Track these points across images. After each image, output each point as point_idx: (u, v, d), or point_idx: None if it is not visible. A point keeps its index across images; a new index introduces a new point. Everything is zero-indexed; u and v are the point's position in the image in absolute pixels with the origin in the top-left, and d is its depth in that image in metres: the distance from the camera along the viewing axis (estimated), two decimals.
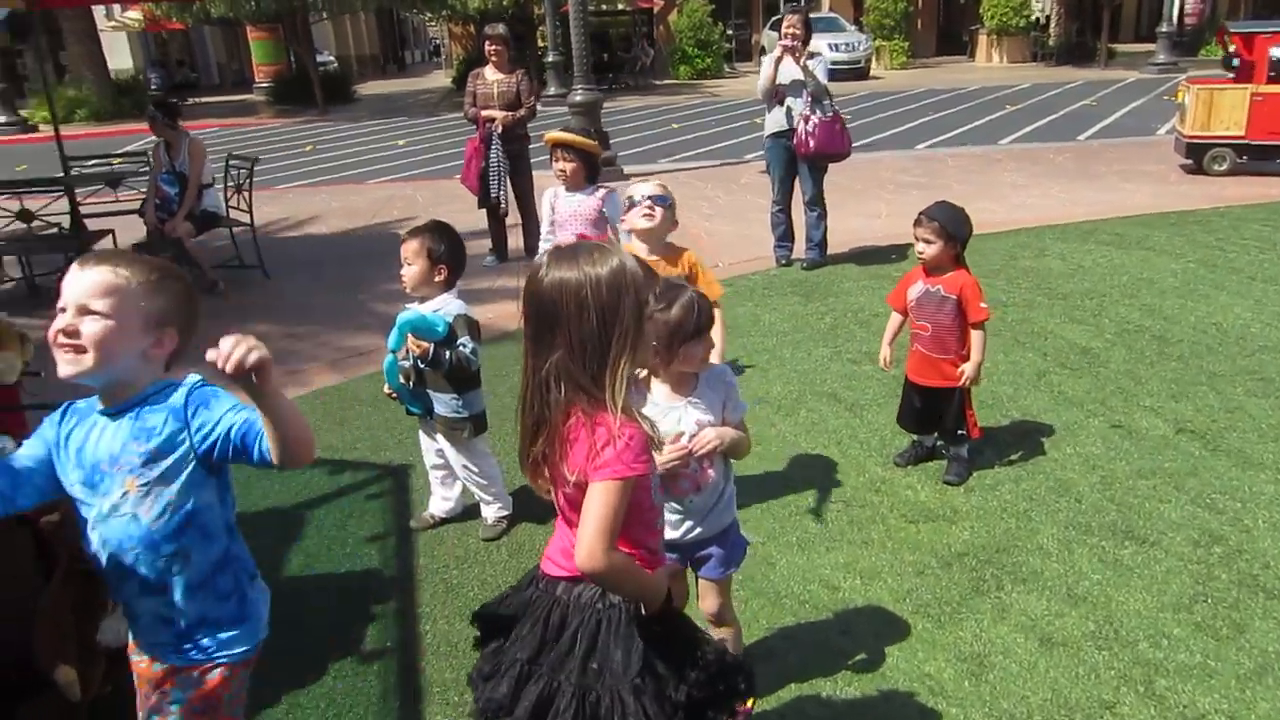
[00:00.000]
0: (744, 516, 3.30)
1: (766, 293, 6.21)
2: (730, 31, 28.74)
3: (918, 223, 3.44)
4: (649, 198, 3.16)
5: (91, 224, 7.17)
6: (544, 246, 4.16)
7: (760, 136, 7.19)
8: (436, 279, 3.07)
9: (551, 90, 19.48)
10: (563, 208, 4.14)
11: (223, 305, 6.50)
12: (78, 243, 6.66)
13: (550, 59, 20.56)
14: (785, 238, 6.92)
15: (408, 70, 43.33)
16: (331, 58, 31.18)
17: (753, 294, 6.18)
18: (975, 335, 3.45)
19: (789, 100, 6.48)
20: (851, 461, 3.79)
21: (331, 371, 5.07)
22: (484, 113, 6.77)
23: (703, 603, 2.34)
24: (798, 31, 6.35)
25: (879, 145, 12.89)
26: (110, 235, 7.07)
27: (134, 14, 25.83)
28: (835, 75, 24.30)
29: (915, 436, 3.79)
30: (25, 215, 6.51)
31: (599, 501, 1.51)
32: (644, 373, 2.18)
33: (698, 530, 2.22)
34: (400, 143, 15.62)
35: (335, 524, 3.43)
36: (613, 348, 1.52)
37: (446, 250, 3.09)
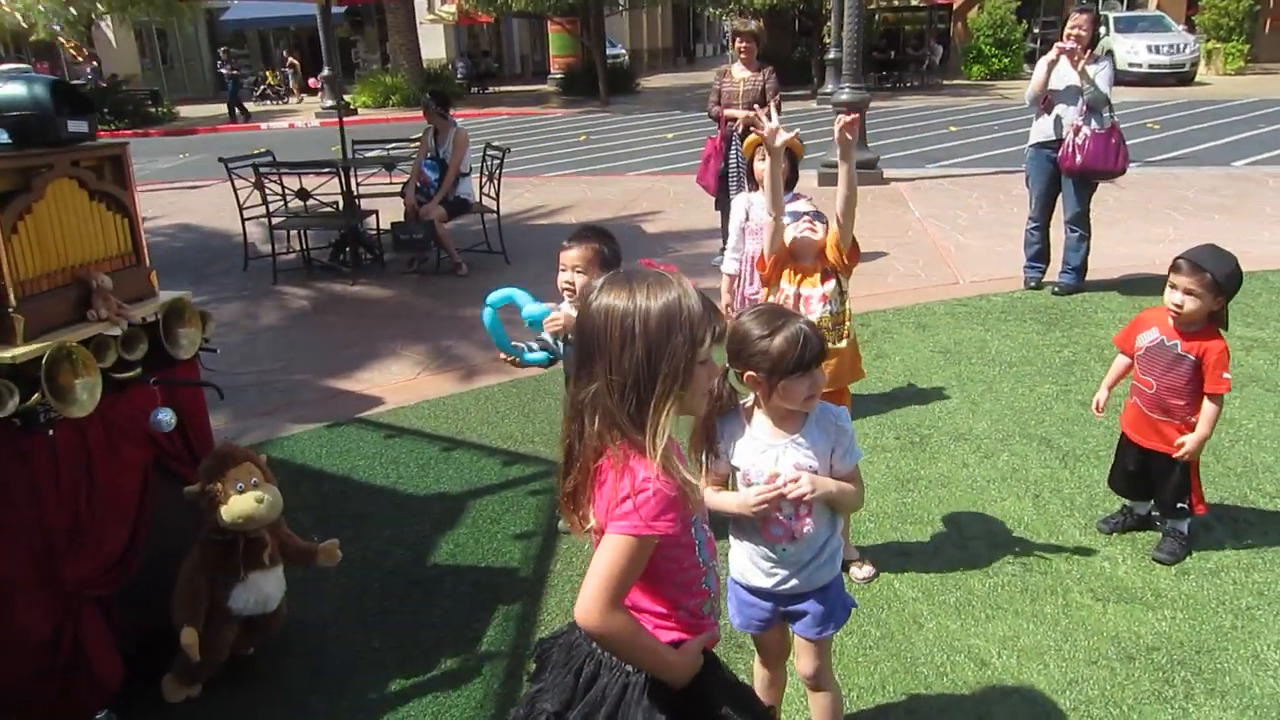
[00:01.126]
0: (902, 567, 3.04)
1: (1003, 316, 5.66)
2: (1036, 30, 26.70)
3: (1178, 268, 2.85)
4: (808, 214, 2.94)
5: (364, 204, 7.89)
6: (728, 259, 4.00)
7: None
8: None
9: (829, 88, 19.04)
10: (758, 216, 3.96)
11: (461, 286, 6.91)
12: (346, 220, 7.33)
13: (831, 55, 20.10)
14: (1038, 258, 6.27)
15: (697, 63, 44.15)
16: (623, 50, 32.34)
17: (986, 316, 5.67)
18: (1208, 407, 2.90)
19: (1059, 108, 5.85)
20: (1047, 519, 3.35)
21: None
22: (726, 111, 6.68)
23: (799, 662, 2.13)
24: (1082, 33, 5.69)
25: (1186, 159, 11.39)
26: (374, 215, 7.74)
27: (449, 8, 28.16)
28: (1153, 79, 21.95)
29: (1127, 501, 3.28)
30: (303, 194, 7.24)
31: (607, 556, 1.40)
32: (749, 400, 2.01)
33: (793, 583, 2.02)
34: (669, 136, 15.91)
35: (490, 517, 3.51)
36: (657, 387, 1.39)
37: (615, 254, 2.99)
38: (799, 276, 2.94)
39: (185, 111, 24.93)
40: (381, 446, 4.15)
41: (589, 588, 1.40)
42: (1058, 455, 3.83)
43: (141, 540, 2.45)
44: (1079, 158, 5.72)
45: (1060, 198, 6.07)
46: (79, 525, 2.31)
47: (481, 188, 7.60)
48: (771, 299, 2.96)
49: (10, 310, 2.21)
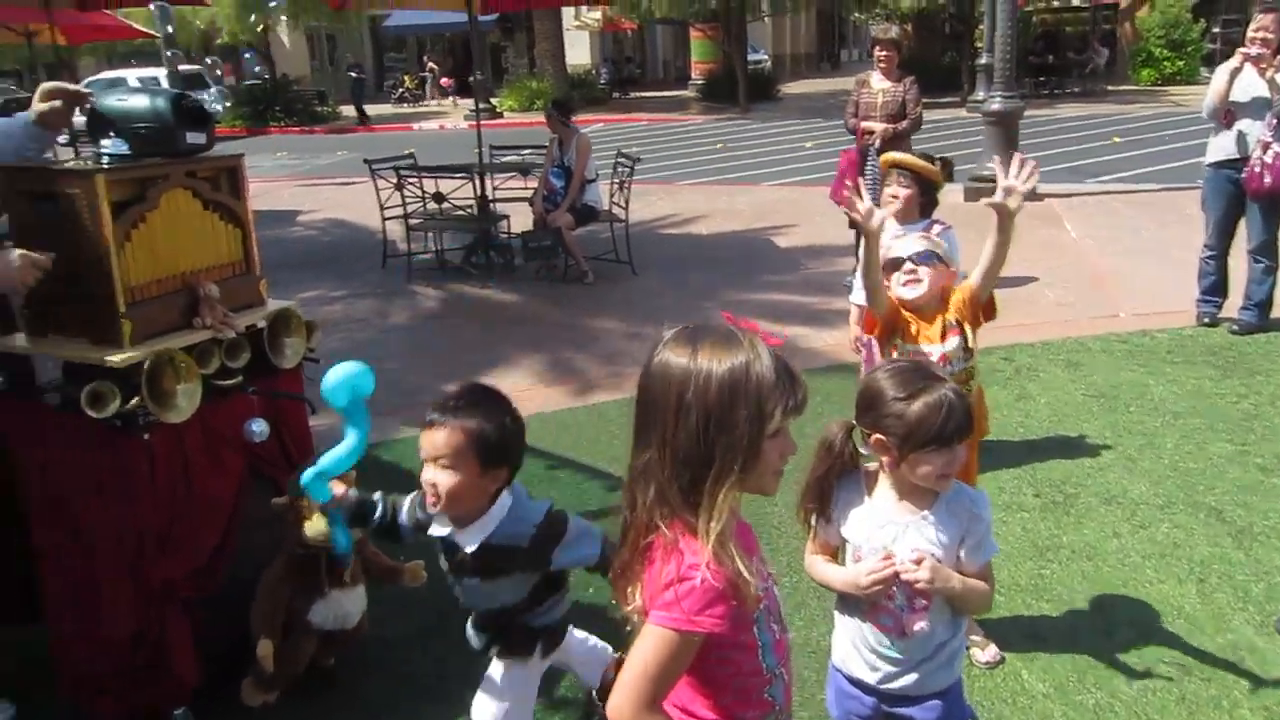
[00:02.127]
0: (1033, 653, 2.68)
1: (1169, 357, 5.12)
2: (1215, 30, 24.71)
3: None
4: (912, 257, 2.54)
5: (499, 208, 7.96)
6: (858, 288, 3.71)
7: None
8: (490, 488, 1.89)
9: (979, 95, 18.23)
10: (889, 243, 3.66)
11: (586, 294, 6.86)
12: (480, 224, 7.40)
13: (982, 61, 19.25)
14: (1214, 291, 5.66)
15: (841, 69, 43.25)
16: (765, 56, 31.98)
17: (1150, 356, 5.13)
18: None
19: (1243, 122, 5.28)
20: (1213, 610, 2.88)
21: None
22: (863, 124, 6.37)
23: None
24: (1270, 35, 5.13)
25: None
26: (506, 220, 7.79)
27: (595, 15, 28.49)
28: None
29: None
30: (438, 197, 7.35)
31: (645, 649, 1.25)
32: (873, 465, 1.79)
33: (900, 683, 1.76)
34: (808, 145, 15.55)
35: None
36: (714, 463, 1.23)
37: (505, 436, 1.87)
38: (915, 330, 2.57)
39: (347, 110, 26.07)
40: None
41: (623, 683, 1.26)
42: (1230, 531, 3.35)
43: (231, 546, 2.44)
44: (1267, 179, 5.13)
45: (1243, 223, 5.49)
46: (171, 528, 2.31)
47: (611, 195, 7.54)
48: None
49: (119, 315, 2.22)
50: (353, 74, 24.11)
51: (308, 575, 2.41)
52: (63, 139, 8.36)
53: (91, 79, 23.49)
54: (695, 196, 11.12)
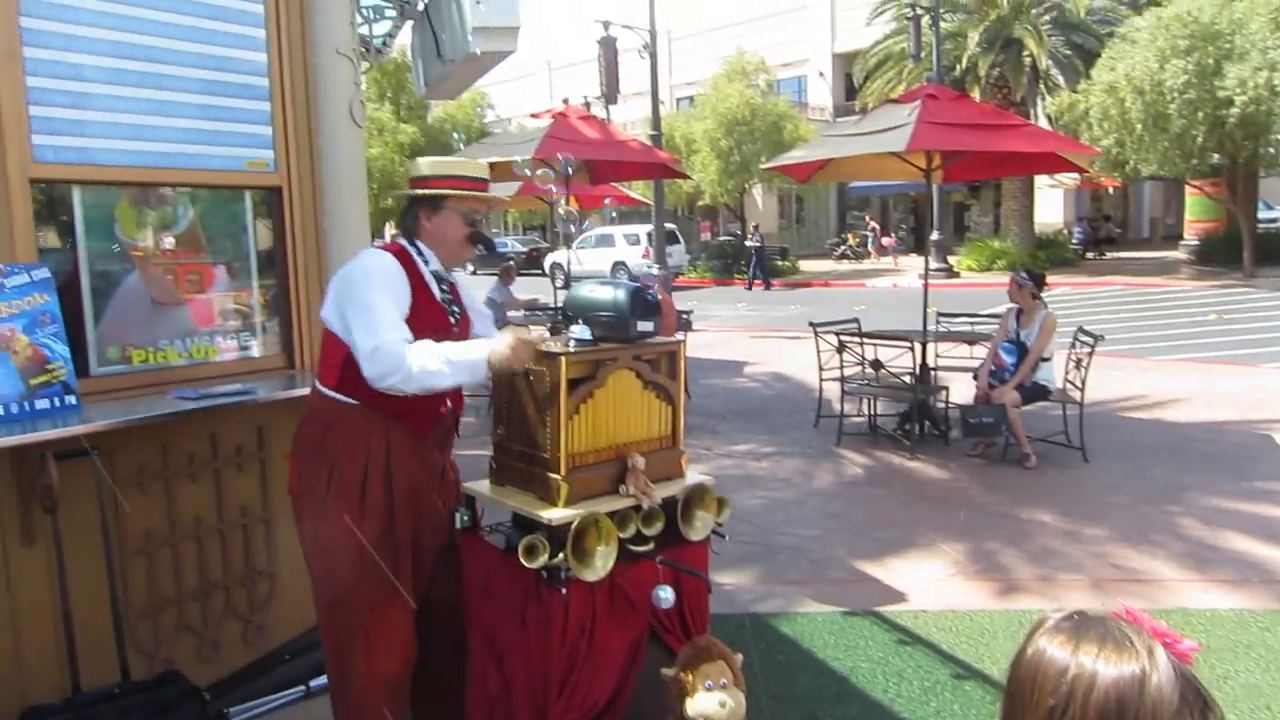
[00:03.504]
0: None
1: None
2: None
3: None
4: None
5: (939, 375, 7.81)
6: None
7: None
8: None
9: None
10: None
11: (1026, 481, 6.38)
12: (916, 393, 7.30)
13: None
14: None
15: None
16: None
17: None
18: None
19: None
20: None
21: (1090, 593, 4.53)
22: None
23: None
24: None
25: None
26: (945, 390, 7.58)
27: (1072, 173, 27.18)
28: None
29: None
30: (876, 364, 7.40)
31: None
32: None
33: None
34: None
35: None
36: None
37: None
38: None
39: (805, 265, 27.56)
40: (891, 651, 3.92)
41: None
42: None
43: (622, 704, 2.60)
44: None
45: None
46: (571, 676, 2.53)
47: (1066, 372, 7.02)
48: None
49: (559, 478, 2.56)
50: (753, 243, 25.13)
51: None
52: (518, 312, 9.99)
53: (588, 233, 27.58)
54: (1173, 375, 9.92)
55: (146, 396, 3.17)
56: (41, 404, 2.85)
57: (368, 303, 2.53)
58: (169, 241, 3.36)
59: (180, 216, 3.37)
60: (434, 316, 2.71)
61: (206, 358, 3.46)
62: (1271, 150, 18.92)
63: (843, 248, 31.51)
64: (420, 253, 2.76)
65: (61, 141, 3.02)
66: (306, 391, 3.46)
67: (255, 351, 3.62)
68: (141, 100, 3.21)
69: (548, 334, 2.71)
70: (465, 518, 2.76)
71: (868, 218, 34.09)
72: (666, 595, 2.62)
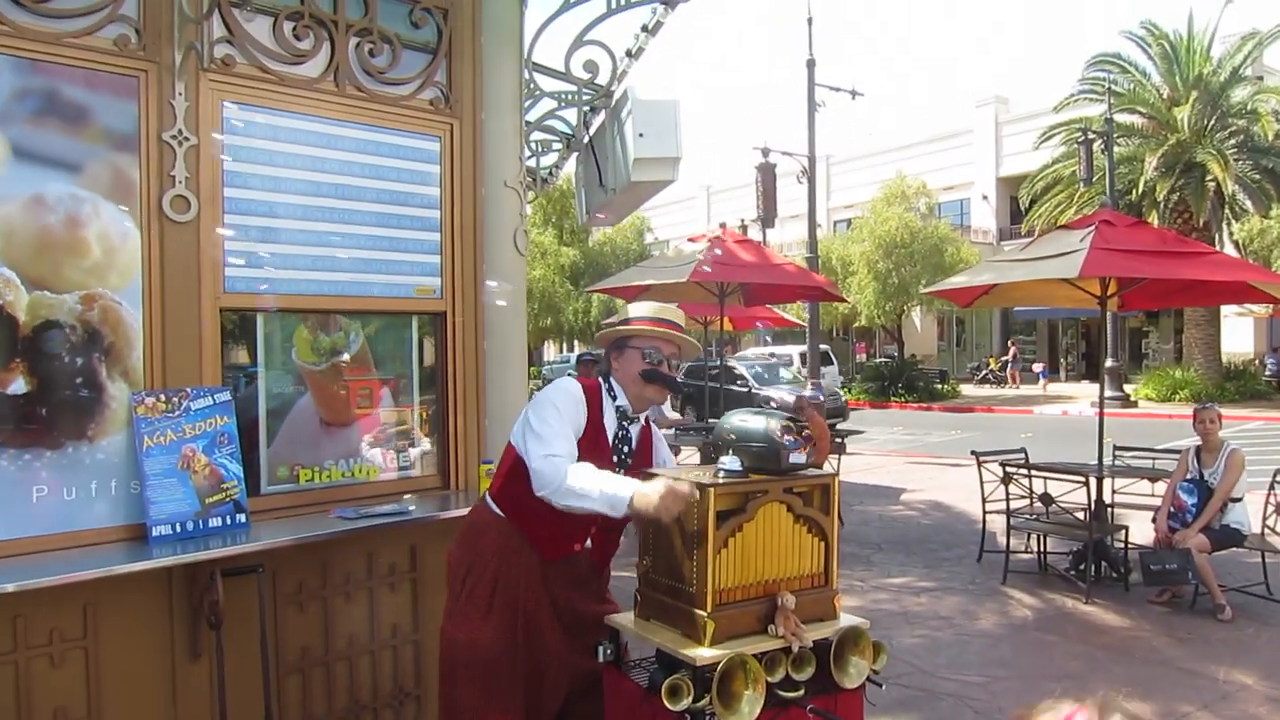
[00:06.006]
0: None
1: None
2: None
3: None
4: None
5: (1117, 512, 7.25)
6: None
7: None
8: None
9: None
10: None
11: (1220, 634, 5.75)
12: (1090, 532, 6.78)
13: None
14: None
15: None
16: None
17: None
18: None
19: None
20: None
21: None
22: None
23: None
24: None
25: None
26: (1124, 530, 7.00)
27: (1261, 304, 25.44)
28: None
29: None
30: (1046, 498, 6.94)
31: None
32: None
33: None
34: None
35: None
36: None
37: None
38: None
39: (966, 390, 26.61)
40: None
41: None
42: None
43: None
44: None
45: None
46: None
47: (1264, 516, 6.37)
48: None
49: (705, 614, 2.47)
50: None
51: None
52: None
53: (748, 350, 27.65)
54: None
55: (310, 515, 3.31)
56: (214, 522, 3.01)
57: (546, 418, 2.70)
58: (341, 365, 3.55)
59: (352, 341, 3.58)
60: (599, 453, 2.80)
61: (368, 477, 3.60)
62: None
63: (984, 372, 30.37)
64: (610, 389, 2.90)
65: (250, 273, 3.28)
66: (460, 513, 3.56)
67: (414, 471, 3.74)
68: (323, 234, 3.47)
69: (702, 477, 2.67)
70: (609, 651, 2.70)
71: (1010, 343, 32.83)
72: None
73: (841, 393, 21.62)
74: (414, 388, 3.78)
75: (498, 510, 2.83)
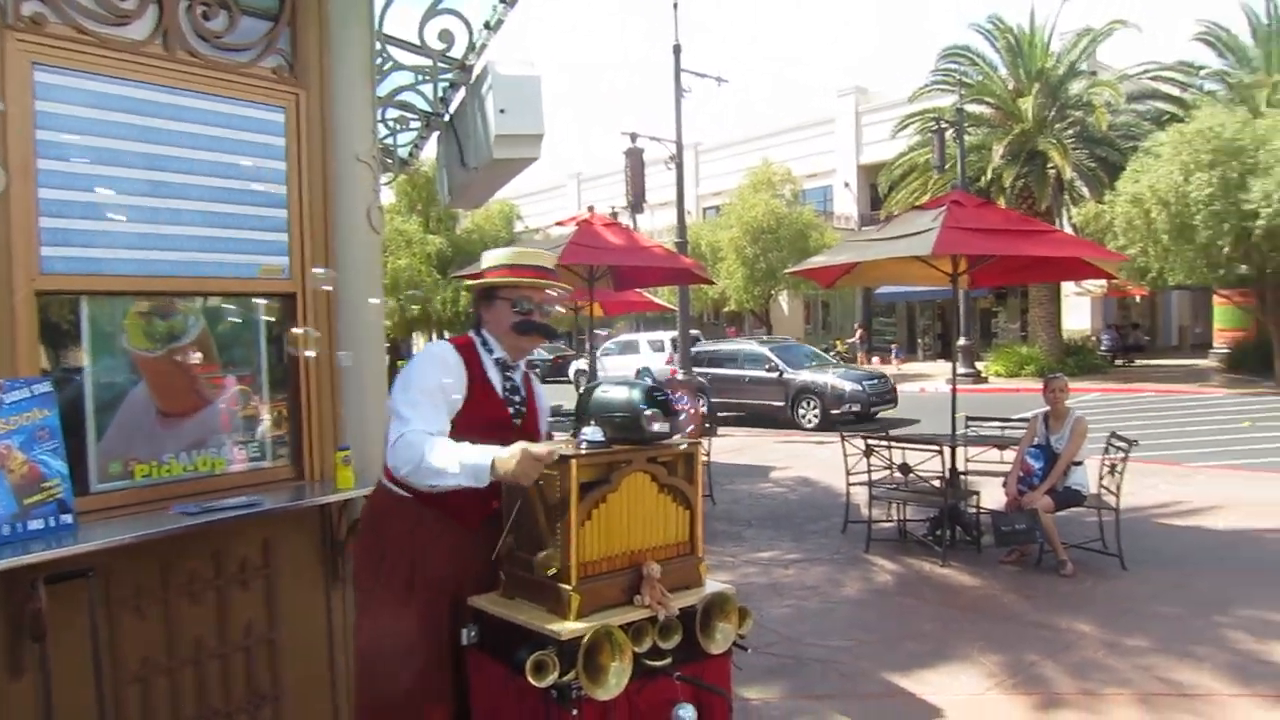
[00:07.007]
0: None
1: None
2: None
3: None
4: None
5: (970, 480, 7.61)
6: None
7: None
8: None
9: None
10: None
11: (1063, 588, 6.11)
12: (945, 498, 7.09)
13: None
14: None
15: None
16: None
17: None
18: None
19: None
20: None
21: (1136, 708, 4.25)
22: None
23: None
24: None
25: None
26: (976, 495, 7.36)
27: (1099, 280, 27.21)
28: None
29: None
30: (904, 468, 7.23)
31: None
32: None
33: None
34: None
35: None
36: None
37: None
38: None
39: None
40: None
41: None
42: None
43: None
44: None
45: None
46: None
47: (1100, 478, 6.81)
48: None
49: (569, 589, 2.43)
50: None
51: None
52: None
53: (613, 340, 27.76)
54: (1210, 482, 9.62)
55: (148, 513, 3.06)
56: (35, 524, 2.75)
57: (408, 395, 2.61)
58: (179, 351, 3.32)
59: (190, 325, 3.35)
60: (492, 408, 2.74)
61: (213, 470, 3.37)
62: None
63: (832, 355, 31.57)
64: (485, 342, 2.82)
65: (71, 253, 3.00)
66: (317, 502, 3.40)
67: (265, 462, 3.54)
68: (156, 209, 3.21)
69: (563, 448, 2.63)
70: (472, 634, 2.62)
71: (856, 326, 34.13)
72: (687, 715, 2.45)
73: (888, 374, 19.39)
74: (263, 373, 3.57)
75: (400, 491, 2.71)
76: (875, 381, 16.51)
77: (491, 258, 2.91)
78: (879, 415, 16.06)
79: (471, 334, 2.86)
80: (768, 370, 17.21)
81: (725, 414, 17.18)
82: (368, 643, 2.72)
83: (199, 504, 3.10)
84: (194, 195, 3.30)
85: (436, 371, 2.68)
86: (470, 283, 2.89)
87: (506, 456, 2.41)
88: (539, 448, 2.44)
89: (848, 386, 15.95)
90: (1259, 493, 8.93)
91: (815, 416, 16.08)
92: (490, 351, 2.82)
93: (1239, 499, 8.62)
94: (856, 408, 15.66)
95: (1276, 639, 5.00)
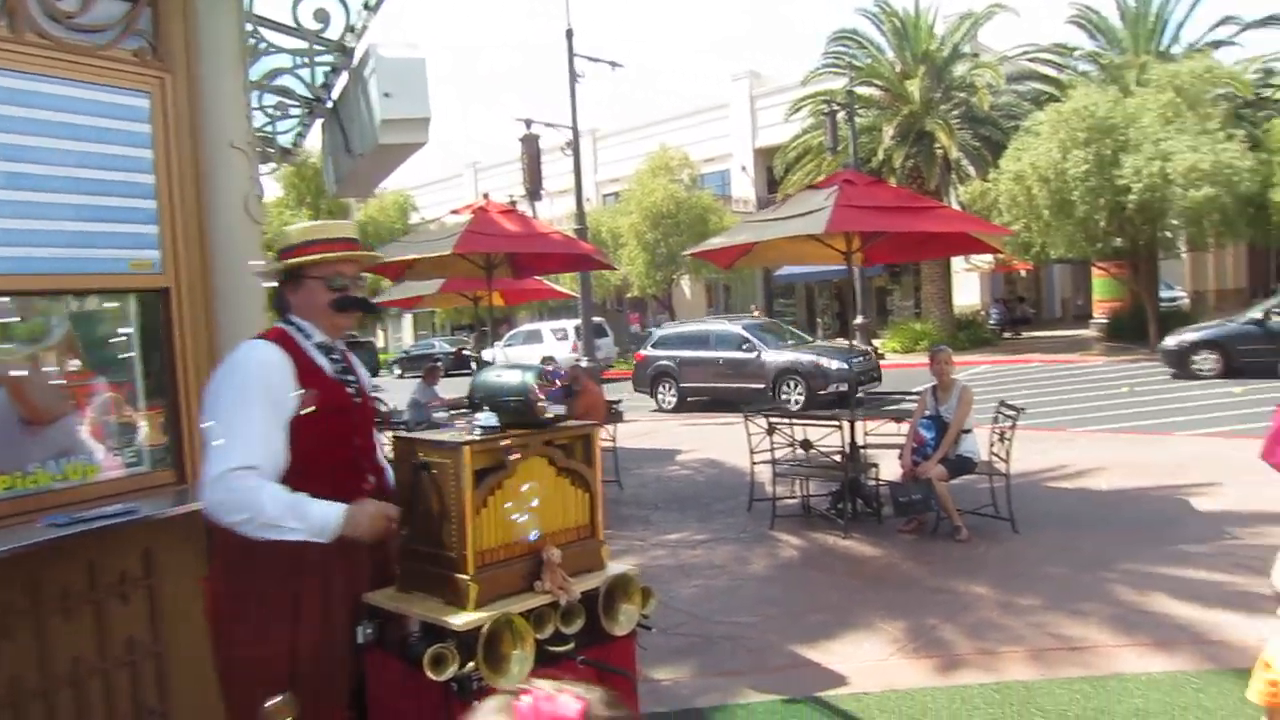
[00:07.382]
0: None
1: None
2: None
3: None
4: None
5: (869, 453, 7.81)
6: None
7: None
8: None
9: None
10: None
11: (959, 553, 6.33)
12: (846, 472, 7.25)
13: None
14: None
15: None
16: (1182, 293, 29.36)
17: None
18: None
19: None
20: None
21: (1029, 664, 4.43)
22: None
23: None
24: None
25: None
26: (875, 468, 7.56)
27: (986, 256, 28.25)
28: None
29: None
30: (806, 444, 7.36)
31: None
32: None
33: None
34: (1236, 391, 13.64)
35: None
36: None
37: None
38: None
39: None
40: None
41: None
42: None
43: None
44: None
45: None
46: None
47: (990, 446, 7.06)
48: None
49: (467, 578, 2.38)
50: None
51: None
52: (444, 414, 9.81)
53: (514, 331, 27.54)
54: (1093, 446, 10.11)
55: (13, 526, 2.86)
56: None
57: (225, 417, 2.39)
58: (41, 354, 3.11)
59: (54, 326, 3.15)
60: (331, 394, 2.57)
61: (85, 478, 3.16)
62: (1168, 234, 20.00)
63: None
64: (300, 329, 2.61)
65: None
66: (199, 508, 3.23)
67: (143, 467, 3.36)
68: (12, 203, 2.98)
69: (446, 457, 2.51)
70: (368, 632, 2.54)
71: (753, 308, 34.69)
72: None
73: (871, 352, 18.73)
74: (137, 375, 3.39)
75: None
76: (860, 359, 15.59)
77: (295, 235, 2.68)
78: (870, 391, 14.97)
79: (281, 324, 2.63)
80: (744, 351, 16.16)
81: (696, 399, 16.84)
82: (252, 673, 2.42)
83: (70, 514, 2.92)
84: (54, 187, 3.09)
85: (259, 377, 2.43)
86: (277, 266, 2.63)
87: (360, 516, 2.43)
88: (391, 507, 2.48)
89: (834, 365, 14.88)
90: (1138, 454, 9.41)
91: (800, 398, 14.87)
92: (309, 337, 2.60)
93: (1119, 460, 9.07)
94: (844, 387, 14.25)
95: (1155, 591, 5.28)
